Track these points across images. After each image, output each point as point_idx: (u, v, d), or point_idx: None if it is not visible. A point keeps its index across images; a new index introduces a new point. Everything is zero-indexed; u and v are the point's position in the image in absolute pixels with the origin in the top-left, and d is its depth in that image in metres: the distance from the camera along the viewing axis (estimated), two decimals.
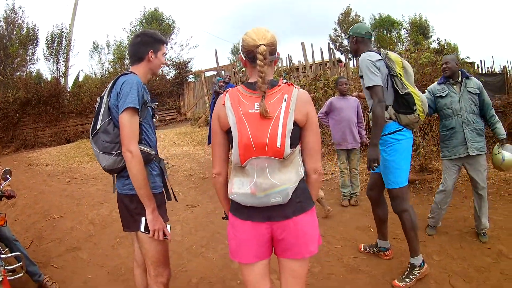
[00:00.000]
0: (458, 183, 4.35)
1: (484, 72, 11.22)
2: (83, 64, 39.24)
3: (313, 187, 1.58)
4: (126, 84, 1.78)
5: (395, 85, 2.54)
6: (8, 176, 3.03)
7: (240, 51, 1.54)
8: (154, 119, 2.02)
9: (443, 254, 2.98)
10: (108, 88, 1.87)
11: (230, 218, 1.57)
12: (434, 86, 3.37)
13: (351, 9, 25.93)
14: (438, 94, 3.28)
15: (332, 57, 10.63)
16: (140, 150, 1.76)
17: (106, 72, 16.76)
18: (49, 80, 14.84)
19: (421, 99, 2.58)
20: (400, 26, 23.76)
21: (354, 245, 3.25)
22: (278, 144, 1.38)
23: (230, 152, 1.57)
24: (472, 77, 3.28)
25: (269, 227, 1.48)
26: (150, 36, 1.96)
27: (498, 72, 10.68)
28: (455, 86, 3.25)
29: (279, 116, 1.40)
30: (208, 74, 14.67)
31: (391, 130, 2.57)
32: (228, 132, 1.50)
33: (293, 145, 1.44)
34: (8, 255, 2.79)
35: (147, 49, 1.93)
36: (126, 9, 45.95)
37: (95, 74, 17.55)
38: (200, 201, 4.81)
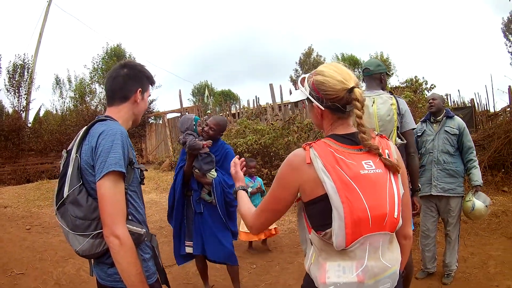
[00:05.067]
0: None
1: (450, 106, 11.64)
2: (44, 99, 37.48)
3: (404, 254, 1.27)
4: (105, 135, 1.29)
5: None
6: None
7: (315, 97, 1.20)
8: (142, 185, 1.50)
9: None
10: (78, 140, 1.35)
11: None
12: (417, 125, 3.31)
13: (312, 50, 26.34)
14: (418, 134, 3.26)
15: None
16: (129, 231, 1.29)
17: (67, 109, 16.06)
18: (10, 113, 14.00)
19: None
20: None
21: None
22: (395, 214, 1.11)
23: None
24: (456, 117, 3.24)
25: None
26: (140, 71, 1.49)
27: (465, 105, 11.05)
28: (434, 125, 3.23)
29: (391, 178, 1.13)
30: (170, 116, 14.13)
31: None
32: (309, 203, 1.14)
33: None
34: None
35: (135, 86, 1.45)
36: (90, 43, 45.12)
37: (56, 110, 16.79)
38: None
